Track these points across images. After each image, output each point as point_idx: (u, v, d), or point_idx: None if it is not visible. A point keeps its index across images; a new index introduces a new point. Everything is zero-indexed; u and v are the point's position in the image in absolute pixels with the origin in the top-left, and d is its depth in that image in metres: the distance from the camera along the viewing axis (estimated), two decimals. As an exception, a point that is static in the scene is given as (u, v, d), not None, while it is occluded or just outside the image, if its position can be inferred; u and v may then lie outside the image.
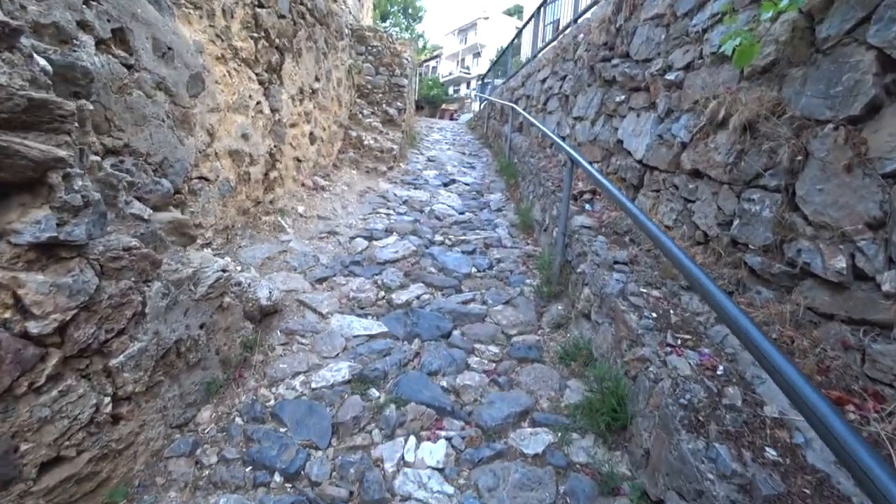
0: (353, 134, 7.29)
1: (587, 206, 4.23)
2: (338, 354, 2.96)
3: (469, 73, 43.30)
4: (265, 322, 3.15)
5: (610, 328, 2.77)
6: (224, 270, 2.65)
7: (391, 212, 5.49)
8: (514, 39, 11.32)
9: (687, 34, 3.47)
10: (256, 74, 4.36)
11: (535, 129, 6.82)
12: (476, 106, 27.96)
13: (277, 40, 4.68)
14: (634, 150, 3.93)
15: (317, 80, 5.96)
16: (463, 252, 4.52)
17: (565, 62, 6.05)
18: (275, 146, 4.87)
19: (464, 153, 9.66)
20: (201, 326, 2.51)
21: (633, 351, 2.45)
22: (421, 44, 44.81)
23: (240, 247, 4.02)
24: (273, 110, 4.74)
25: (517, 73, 10.21)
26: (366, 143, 7.25)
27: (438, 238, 4.81)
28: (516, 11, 45.10)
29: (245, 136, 4.21)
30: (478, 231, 5.12)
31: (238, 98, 4.05)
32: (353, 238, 4.66)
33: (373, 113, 8.17)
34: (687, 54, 3.42)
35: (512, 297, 3.75)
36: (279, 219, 4.65)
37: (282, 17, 4.74)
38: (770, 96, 2.62)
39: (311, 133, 5.88)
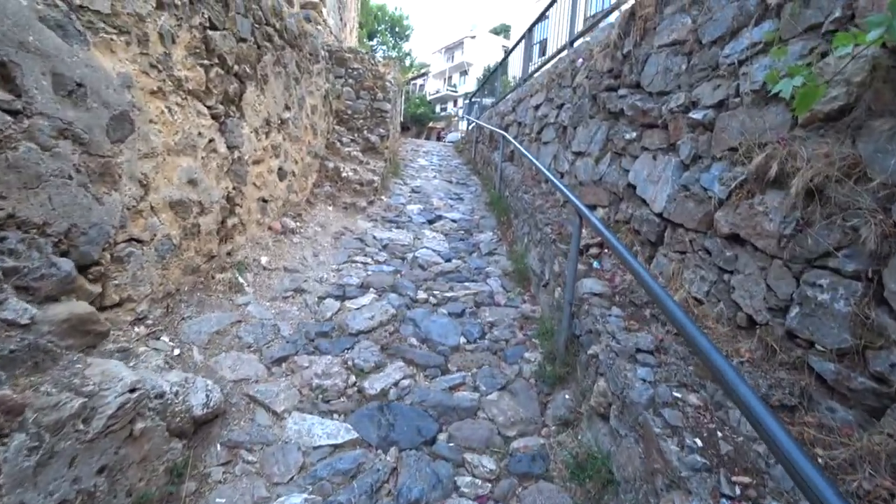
0: (330, 165, 6.66)
1: (595, 264, 3.63)
2: (292, 478, 2.30)
3: (456, 91, 43.31)
4: (202, 433, 2.48)
5: (637, 447, 2.14)
6: (134, 389, 1.98)
7: (369, 260, 4.84)
8: (503, 60, 10.81)
9: (716, 66, 2.90)
10: (209, 108, 3.72)
11: (528, 160, 6.26)
12: (463, 125, 27.63)
13: (236, 67, 4.06)
14: (651, 199, 3.33)
15: (287, 108, 5.34)
16: (450, 314, 3.88)
17: (562, 88, 5.50)
18: (234, 188, 4.22)
19: (451, 181, 9.07)
20: (101, 471, 1.83)
21: (673, 496, 1.82)
22: (408, 62, 44.75)
23: (183, 318, 3.35)
24: (231, 147, 4.09)
25: (506, 96, 9.68)
26: (344, 174, 6.62)
27: (422, 295, 4.16)
28: (503, 30, 45.32)
29: (193, 182, 3.55)
30: (467, 284, 4.48)
31: (183, 137, 3.40)
32: (322, 298, 4.00)
33: (353, 140, 7.56)
34: (718, 90, 2.84)
35: (509, 379, 3.12)
36: (236, 276, 3.98)
37: (242, 40, 4.12)
38: (841, 153, 2.04)
39: (279, 169, 5.24)
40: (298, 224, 5.37)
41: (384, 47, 42.21)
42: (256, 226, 4.78)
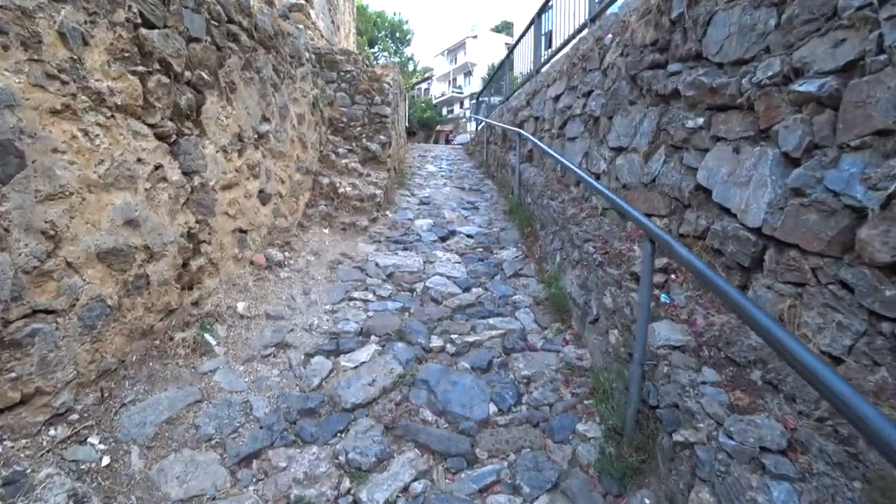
0: (325, 181, 5.85)
1: (664, 298, 2.74)
2: None
3: (461, 93, 42.67)
4: None
5: None
6: None
7: (370, 295, 4.00)
8: (510, 52, 9.92)
9: (834, 13, 2.01)
10: (152, 126, 2.92)
11: (552, 160, 5.38)
12: (472, 126, 26.76)
13: (188, 73, 3.26)
14: (739, 208, 2.45)
15: (265, 120, 4.54)
16: (473, 369, 3.03)
17: (587, 73, 4.62)
18: (197, 222, 3.42)
19: (463, 188, 8.21)
20: None
21: None
22: (411, 67, 44.12)
23: (125, 404, 2.55)
24: (188, 173, 3.30)
25: (518, 90, 8.80)
26: (341, 190, 5.81)
27: (436, 342, 3.31)
28: (504, 28, 44.59)
29: (133, 223, 2.76)
30: (491, 320, 3.63)
31: (113, 167, 2.61)
32: (310, 355, 3.18)
33: (350, 151, 6.75)
34: (842, 47, 1.95)
35: (561, 471, 2.26)
36: (202, 334, 3.17)
37: (193, 40, 3.32)
38: None
39: (260, 191, 4.44)
40: (287, 254, 4.56)
41: (386, 53, 41.59)
42: (233, 262, 3.97)
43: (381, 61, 35.71)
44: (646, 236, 2.17)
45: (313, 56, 6.41)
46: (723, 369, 2.16)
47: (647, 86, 3.45)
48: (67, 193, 2.33)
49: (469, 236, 5.50)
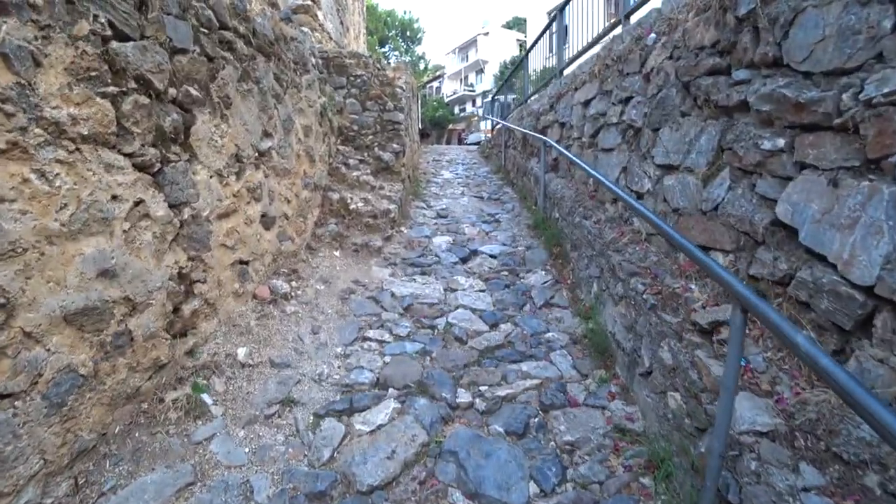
0: (335, 196, 5.42)
1: (741, 361, 2.26)
2: None
3: (473, 91, 42.23)
4: None
5: None
6: None
7: (386, 335, 3.57)
8: (528, 52, 9.41)
9: None
10: (129, 155, 2.51)
11: (582, 173, 4.91)
12: (484, 125, 26.25)
13: (173, 90, 2.85)
14: (840, 257, 1.96)
15: (266, 135, 4.12)
16: (508, 433, 2.59)
17: (625, 76, 4.13)
18: (190, 259, 3.02)
19: (481, 197, 7.74)
20: None
21: None
22: (422, 66, 43.74)
23: (103, 492, 2.15)
24: (177, 205, 2.89)
25: (538, 91, 8.31)
26: (353, 206, 5.38)
27: (463, 397, 2.87)
28: (516, 24, 43.99)
29: (109, 273, 2.35)
30: (524, 365, 3.18)
31: (80, 210, 2.20)
32: (320, 417, 2.75)
33: (361, 161, 6.31)
34: None
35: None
36: (197, 392, 2.76)
37: (178, 51, 2.90)
38: None
39: (263, 216, 4.03)
40: (294, 284, 4.14)
41: (396, 53, 41.22)
42: (234, 299, 3.57)
43: (392, 61, 35.30)
44: (735, 303, 1.71)
45: (320, 61, 5.98)
46: (826, 467, 1.69)
47: (705, 95, 2.96)
48: (20, 250, 1.92)
49: (492, 256, 5.04)
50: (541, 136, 6.13)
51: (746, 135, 2.62)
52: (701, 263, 2.09)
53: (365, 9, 17.85)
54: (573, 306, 3.99)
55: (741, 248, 2.65)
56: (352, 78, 6.54)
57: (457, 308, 3.92)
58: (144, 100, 2.60)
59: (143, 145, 2.60)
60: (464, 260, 4.96)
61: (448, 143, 37.46)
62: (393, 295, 4.14)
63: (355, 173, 5.92)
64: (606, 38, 5.08)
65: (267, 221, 4.13)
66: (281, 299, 3.92)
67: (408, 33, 42.47)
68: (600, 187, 4.55)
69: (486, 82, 39.44)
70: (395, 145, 6.60)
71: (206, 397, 2.79)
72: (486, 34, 42.61)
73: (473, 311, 3.89)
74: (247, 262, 3.80)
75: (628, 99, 4.03)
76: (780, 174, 2.37)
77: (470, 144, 28.79)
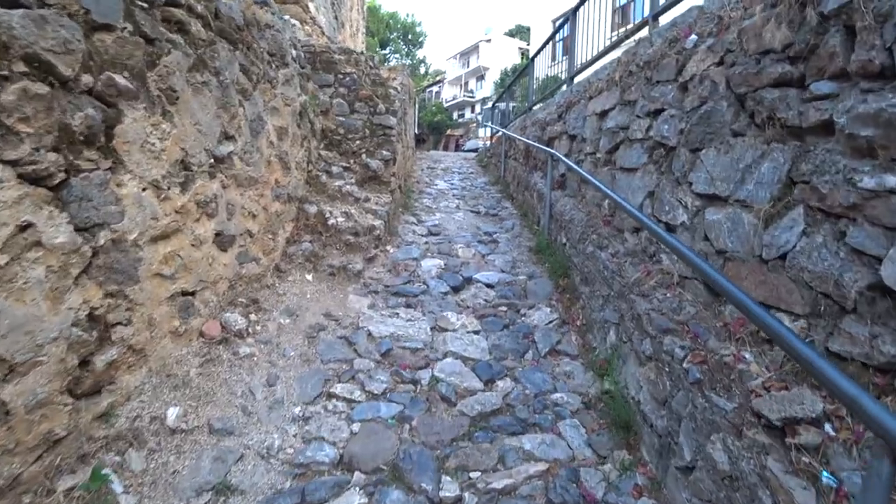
0: (312, 210, 4.75)
1: (825, 477, 1.60)
2: None
3: (473, 97, 41.93)
4: None
5: None
6: None
7: (357, 391, 2.89)
8: (534, 56, 8.78)
9: None
10: (13, 164, 1.84)
11: (595, 193, 4.28)
12: (483, 132, 25.66)
13: (89, 78, 2.17)
14: None
15: (227, 138, 3.45)
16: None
17: (653, 85, 3.49)
18: (108, 296, 2.34)
19: (478, 212, 7.08)
20: None
21: None
22: (423, 69, 43.24)
23: None
24: (88, 228, 2.21)
25: (544, 99, 7.68)
26: (331, 222, 4.71)
27: (448, 489, 2.20)
28: (518, 32, 43.79)
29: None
30: (526, 441, 2.52)
31: None
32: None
33: (346, 169, 5.65)
34: None
35: None
36: (97, 483, 2.07)
37: (101, 28, 2.24)
38: None
39: (217, 234, 3.35)
40: (254, 317, 3.46)
41: (397, 55, 40.70)
42: (172, 340, 2.88)
43: (393, 63, 34.72)
44: (882, 448, 1.05)
45: (303, 55, 5.32)
46: None
47: (768, 112, 2.32)
48: None
49: (489, 286, 4.37)
50: (547, 149, 5.48)
51: (831, 166, 1.97)
52: (787, 346, 1.45)
53: (365, 7, 17.24)
54: (584, 356, 3.33)
55: (818, 314, 2.00)
56: (340, 76, 5.88)
57: (445, 356, 3.24)
58: (40, 88, 1.92)
59: (36, 149, 1.92)
60: (456, 289, 4.29)
61: (446, 148, 36.92)
62: (370, 335, 3.46)
63: (338, 183, 5.24)
64: (630, 41, 4.45)
65: (224, 241, 3.45)
66: (234, 337, 3.23)
67: (409, 36, 41.98)
68: (618, 212, 3.90)
69: (487, 89, 39.16)
70: (384, 152, 5.93)
71: (115, 483, 2.11)
72: (489, 41, 42.35)
73: (465, 360, 3.22)
74: (192, 293, 3.12)
75: (658, 111, 3.39)
76: (887, 223, 1.72)
77: (467, 151, 28.20)
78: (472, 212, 7.04)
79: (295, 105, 4.60)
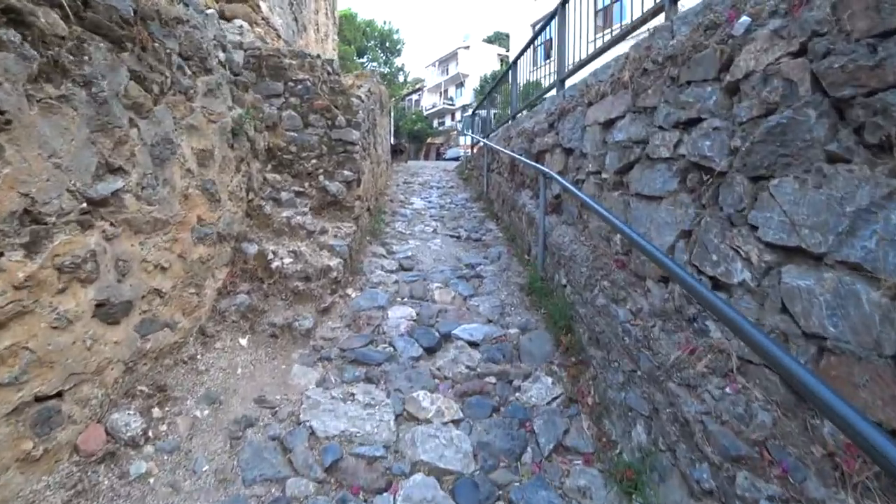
0: (252, 250, 3.81)
1: None
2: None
3: (453, 105, 41.36)
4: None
5: None
6: None
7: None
8: (518, 57, 7.90)
9: None
10: None
11: (600, 223, 3.43)
12: (464, 140, 24.83)
13: None
14: None
15: (110, 171, 2.54)
16: None
17: (683, 86, 2.63)
18: None
19: (458, 236, 6.19)
20: None
21: None
22: (402, 78, 42.47)
23: None
24: None
25: (531, 106, 6.83)
26: (276, 264, 3.78)
27: None
28: (497, 38, 43.41)
29: None
30: None
31: None
32: None
33: (300, 194, 4.72)
34: None
35: None
36: None
37: None
38: None
39: (100, 305, 2.43)
40: (158, 412, 2.53)
41: (375, 63, 39.82)
42: (21, 470, 1.95)
43: (370, 70, 33.74)
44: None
45: (240, 59, 4.40)
46: None
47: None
48: None
49: (472, 344, 3.47)
50: (538, 166, 4.61)
51: None
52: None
53: (337, 12, 16.33)
54: (602, 455, 2.45)
55: None
56: (291, 84, 4.96)
57: (414, 469, 2.32)
58: None
59: None
60: (431, 351, 3.38)
61: (426, 157, 36.14)
62: (313, 434, 2.53)
63: (286, 213, 4.31)
64: (643, 31, 3.60)
65: (112, 312, 2.51)
66: (126, 448, 2.31)
67: (387, 44, 41.15)
68: (636, 252, 3.03)
69: (467, 96, 38.67)
70: (346, 172, 5.02)
71: None
72: (467, 48, 41.90)
73: (441, 475, 2.30)
74: (59, 395, 2.18)
75: (692, 122, 2.53)
76: None
77: (448, 160, 27.37)
78: (451, 236, 6.14)
79: (224, 121, 3.66)
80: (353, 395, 2.85)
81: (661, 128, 2.81)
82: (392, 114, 17.33)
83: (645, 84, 3.04)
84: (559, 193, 4.47)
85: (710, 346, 2.22)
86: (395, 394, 2.88)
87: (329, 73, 5.28)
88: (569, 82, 5.13)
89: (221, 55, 3.67)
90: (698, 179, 2.47)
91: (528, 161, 5.08)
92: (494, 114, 11.52)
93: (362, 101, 5.69)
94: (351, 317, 3.76)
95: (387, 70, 39.77)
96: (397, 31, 40.63)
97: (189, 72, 3.22)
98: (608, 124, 3.56)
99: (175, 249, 3.09)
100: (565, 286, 3.78)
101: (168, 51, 3.00)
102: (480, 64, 38.78)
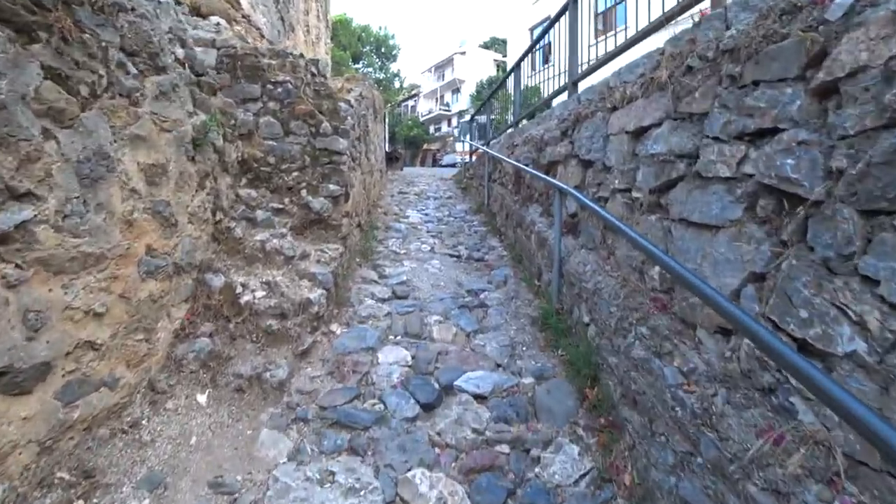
0: (217, 282, 3.23)
1: None
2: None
3: (449, 111, 41.04)
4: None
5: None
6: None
7: None
8: (523, 58, 7.32)
9: None
10: None
11: (631, 251, 2.86)
12: (460, 147, 24.31)
13: None
14: None
15: (17, 198, 1.95)
16: None
17: (748, 88, 2.06)
18: None
19: (458, 255, 5.62)
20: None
21: None
22: (397, 83, 41.99)
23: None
24: None
25: (538, 111, 6.27)
26: (245, 299, 3.20)
27: None
28: (493, 44, 43.15)
29: None
30: None
31: None
32: None
33: (280, 212, 4.15)
34: None
35: None
36: None
37: None
38: None
39: (2, 374, 1.83)
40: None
41: (371, 69, 39.28)
42: None
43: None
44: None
45: (210, 60, 3.84)
46: None
47: None
48: None
49: (479, 398, 2.88)
50: (552, 181, 4.05)
51: None
52: None
53: (329, 15, 15.79)
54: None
55: None
56: (270, 86, 4.39)
57: None
58: None
59: None
60: (429, 407, 2.79)
61: (423, 163, 35.64)
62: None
63: (261, 235, 3.73)
64: (688, 18, 3.06)
65: (18, 380, 1.93)
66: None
67: (383, 50, 40.61)
68: (679, 291, 2.46)
69: (463, 102, 38.36)
70: (332, 185, 4.44)
71: None
72: (464, 53, 41.60)
73: None
74: None
75: (764, 133, 1.97)
76: None
77: (444, 166, 26.81)
78: (450, 256, 5.56)
79: (183, 129, 3.08)
80: (332, 474, 2.27)
81: (716, 139, 2.25)
82: (387, 120, 16.79)
83: (690, 85, 2.48)
84: (576, 212, 3.91)
85: (801, 435, 1.65)
86: (384, 471, 2.30)
87: (314, 75, 4.71)
88: (581, 84, 4.59)
89: (180, 51, 3.10)
90: (775, 208, 1.90)
91: (537, 173, 4.52)
92: (493, 120, 10.97)
93: (351, 107, 5.13)
94: (334, 362, 3.17)
95: (382, 76, 39.26)
96: (393, 37, 40.13)
97: (134, 70, 2.64)
98: (639, 133, 3.00)
99: (115, 289, 2.51)
100: (588, 325, 3.21)
101: (103, 44, 2.42)
102: (477, 69, 38.48)
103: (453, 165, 24.50)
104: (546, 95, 5.75)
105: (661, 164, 2.71)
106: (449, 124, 41.13)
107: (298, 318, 3.29)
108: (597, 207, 3.06)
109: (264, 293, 3.28)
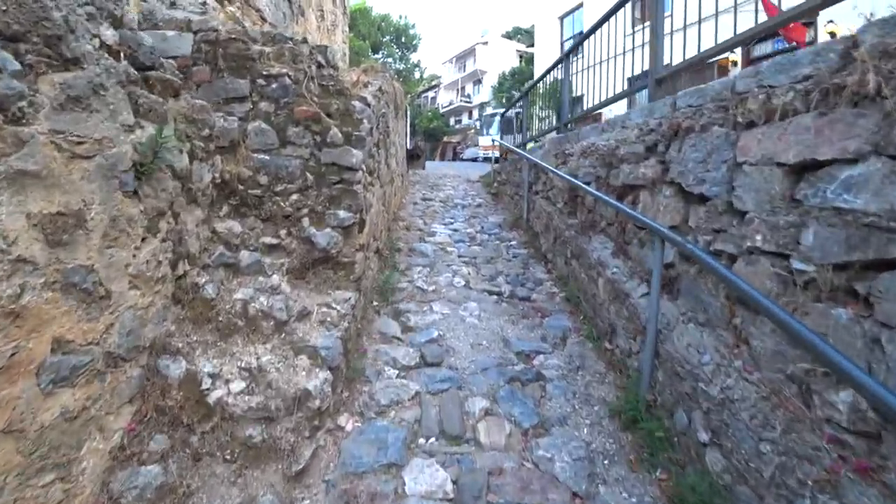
0: (176, 371, 2.25)
1: None
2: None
3: (470, 102, 40.02)
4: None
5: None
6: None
7: None
8: (587, 35, 5.50)
9: None
10: None
11: (772, 342, 1.77)
12: (483, 141, 23.16)
13: None
14: None
15: None
16: None
17: None
18: None
19: (499, 292, 4.56)
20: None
21: None
22: (417, 74, 40.85)
23: None
24: None
25: (606, 105, 5.17)
26: (216, 396, 2.21)
27: None
28: (516, 34, 41.88)
29: None
30: None
31: None
32: None
33: (273, 248, 3.17)
34: None
35: None
36: None
37: None
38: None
39: None
40: None
41: (391, 59, 38.18)
42: None
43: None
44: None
45: (186, 47, 2.84)
46: None
47: None
48: None
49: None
50: (642, 217, 2.98)
51: None
52: None
53: (347, 1, 14.71)
54: None
55: None
56: (262, 81, 3.39)
57: None
58: None
59: None
60: None
61: (442, 157, 34.59)
62: None
63: (242, 293, 2.73)
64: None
65: None
66: None
67: (403, 39, 39.41)
68: (891, 440, 1.40)
69: (485, 93, 37.28)
70: (342, 212, 3.43)
71: None
72: (486, 44, 40.51)
73: None
74: None
75: None
76: None
77: (466, 160, 25.66)
78: (489, 293, 4.51)
79: (114, 152, 2.07)
80: None
81: None
82: (408, 114, 15.74)
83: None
84: (673, 262, 2.84)
85: None
86: None
87: (320, 66, 3.68)
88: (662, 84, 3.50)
89: (108, 34, 2.09)
90: None
91: (608, 199, 3.45)
92: (532, 115, 9.74)
93: (368, 106, 4.08)
94: (342, 490, 2.17)
95: (402, 66, 38.15)
96: (413, 26, 38.89)
97: (15, 65, 1.64)
98: (806, 168, 1.93)
99: (-15, 419, 1.53)
100: (706, 446, 2.16)
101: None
102: (499, 60, 37.33)
103: (475, 160, 23.40)
104: (612, 95, 4.64)
105: (860, 227, 1.64)
106: (470, 116, 40.07)
107: (292, 421, 2.30)
108: (741, 282, 2.00)
109: (243, 385, 2.30)
